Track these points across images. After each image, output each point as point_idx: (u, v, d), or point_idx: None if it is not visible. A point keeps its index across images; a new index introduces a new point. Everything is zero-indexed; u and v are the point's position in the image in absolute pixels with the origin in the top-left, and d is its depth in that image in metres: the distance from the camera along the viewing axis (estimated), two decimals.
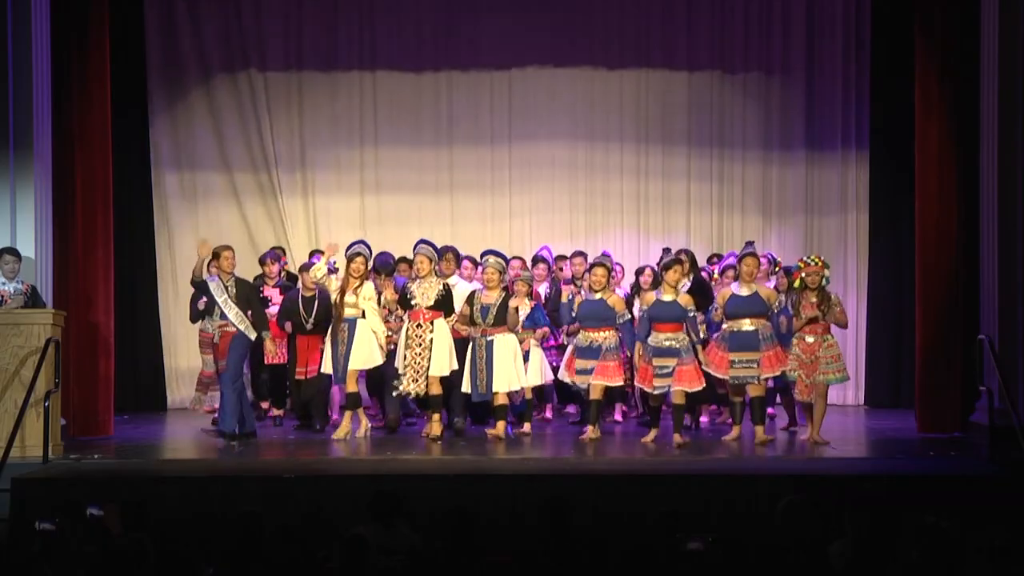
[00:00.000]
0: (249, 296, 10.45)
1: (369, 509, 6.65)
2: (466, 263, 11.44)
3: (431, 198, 13.93)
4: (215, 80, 13.79)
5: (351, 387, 10.35)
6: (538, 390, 11.05)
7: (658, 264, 10.57)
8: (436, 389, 10.28)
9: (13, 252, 9.87)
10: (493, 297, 10.33)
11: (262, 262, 11.73)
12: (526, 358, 10.51)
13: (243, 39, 13.77)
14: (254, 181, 13.87)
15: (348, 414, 10.38)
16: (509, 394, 10.36)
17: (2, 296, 9.72)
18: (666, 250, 10.86)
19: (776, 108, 13.90)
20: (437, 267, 10.70)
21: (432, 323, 10.29)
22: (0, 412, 9.24)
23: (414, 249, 10.65)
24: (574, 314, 10.32)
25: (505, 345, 10.26)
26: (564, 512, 6.25)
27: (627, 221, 13.98)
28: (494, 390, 10.21)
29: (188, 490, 8.22)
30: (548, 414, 11.71)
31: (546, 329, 10.85)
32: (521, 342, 10.44)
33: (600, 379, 10.09)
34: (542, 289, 11.54)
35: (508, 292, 10.46)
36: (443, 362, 10.29)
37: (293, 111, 13.90)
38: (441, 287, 10.39)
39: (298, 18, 13.85)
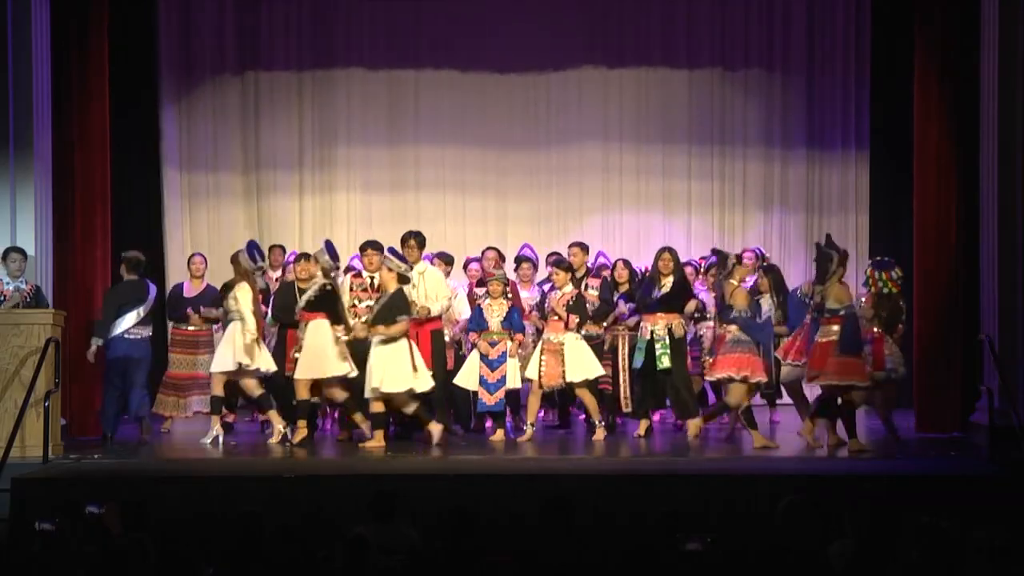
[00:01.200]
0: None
1: (369, 509, 6.65)
2: (475, 265, 11.25)
3: (431, 197, 13.96)
4: (222, 80, 13.83)
5: (215, 389, 10.09)
6: (515, 394, 10.65)
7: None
8: (301, 393, 9.95)
9: (19, 251, 9.87)
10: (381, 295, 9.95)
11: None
12: (502, 360, 10.16)
13: (250, 39, 13.82)
14: (257, 180, 13.91)
15: (216, 417, 10.14)
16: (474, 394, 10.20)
17: (3, 295, 9.72)
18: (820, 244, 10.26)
19: (777, 106, 13.93)
20: (334, 266, 10.33)
21: (308, 324, 9.98)
22: (0, 412, 9.23)
23: None
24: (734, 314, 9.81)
25: (380, 349, 9.75)
26: (565, 512, 6.25)
27: (627, 220, 13.99)
28: (366, 394, 9.82)
29: (188, 490, 8.21)
30: (556, 419, 11.47)
31: (522, 336, 10.32)
32: (494, 344, 10.15)
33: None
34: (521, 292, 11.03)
35: (401, 290, 9.88)
36: (306, 364, 9.86)
37: (293, 111, 13.93)
38: (319, 287, 9.99)
39: (298, 17, 13.88)
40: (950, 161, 10.75)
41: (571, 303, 10.18)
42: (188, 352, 11.00)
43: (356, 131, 13.97)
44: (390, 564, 5.83)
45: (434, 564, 5.73)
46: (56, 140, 10.52)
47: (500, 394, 10.21)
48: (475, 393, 10.30)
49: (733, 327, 9.75)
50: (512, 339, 10.20)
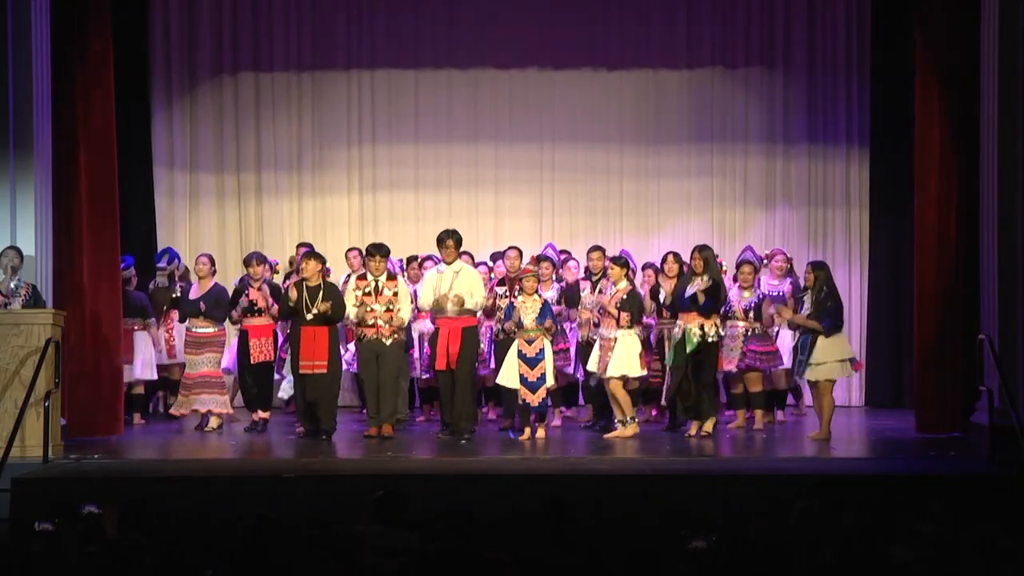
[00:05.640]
0: None
1: (376, 508, 6.64)
2: (464, 258, 11.27)
3: (430, 197, 13.98)
4: (217, 80, 13.83)
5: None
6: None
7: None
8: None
9: (15, 250, 9.86)
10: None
11: (247, 263, 11.26)
12: (540, 357, 10.15)
13: (245, 39, 13.83)
14: (255, 181, 13.92)
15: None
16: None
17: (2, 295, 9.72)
18: None
19: (779, 103, 13.95)
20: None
21: None
22: (0, 412, 9.23)
23: None
24: None
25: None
26: (565, 512, 6.25)
27: (627, 220, 14.00)
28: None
29: (188, 490, 8.22)
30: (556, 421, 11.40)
31: (551, 324, 10.30)
32: (531, 342, 10.15)
33: None
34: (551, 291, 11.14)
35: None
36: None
37: (293, 111, 13.95)
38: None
39: (297, 17, 13.89)
40: (950, 161, 10.72)
41: (623, 300, 10.26)
42: (193, 352, 11.09)
43: (353, 131, 13.97)
44: (390, 564, 5.83)
45: (433, 564, 5.73)
46: (56, 140, 10.50)
47: (543, 392, 10.15)
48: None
49: None
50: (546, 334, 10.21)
